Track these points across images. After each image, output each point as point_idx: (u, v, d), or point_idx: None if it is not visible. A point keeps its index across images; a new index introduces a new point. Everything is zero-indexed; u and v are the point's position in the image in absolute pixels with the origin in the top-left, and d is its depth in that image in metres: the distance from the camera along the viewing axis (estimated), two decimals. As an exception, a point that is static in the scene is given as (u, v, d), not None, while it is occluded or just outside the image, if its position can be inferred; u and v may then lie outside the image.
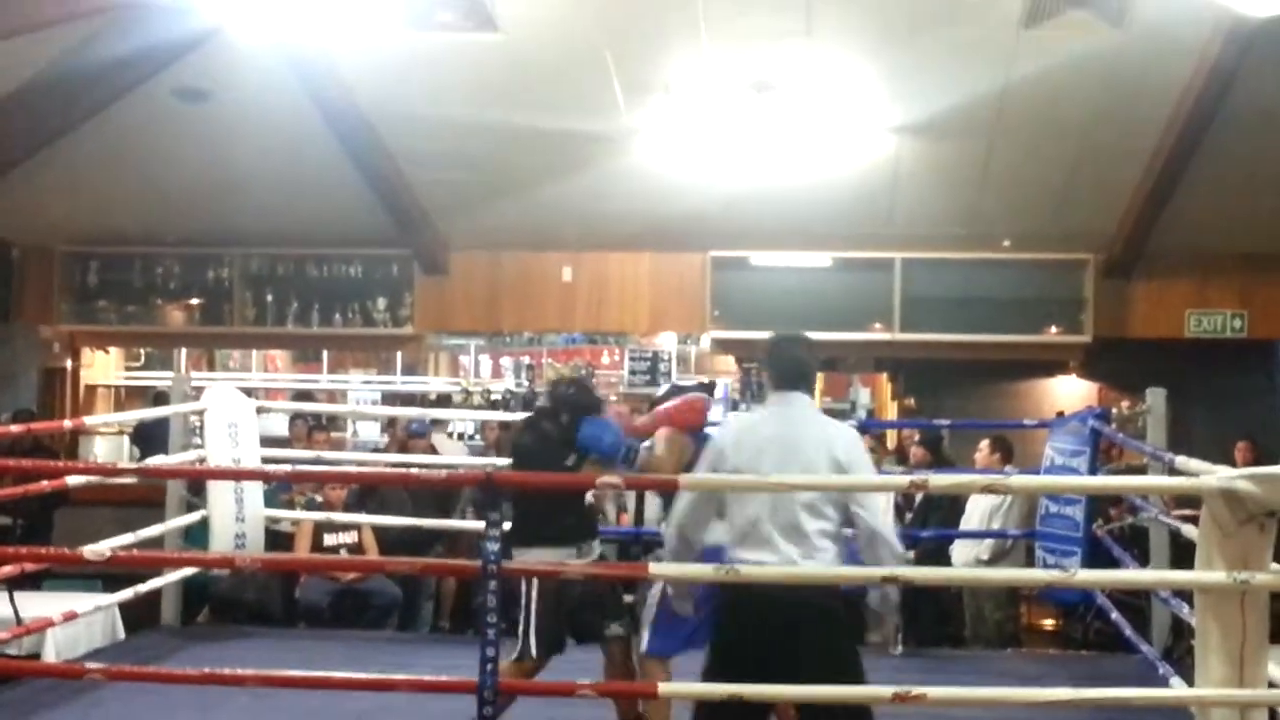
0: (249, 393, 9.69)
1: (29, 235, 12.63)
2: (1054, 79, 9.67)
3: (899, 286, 11.92)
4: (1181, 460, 5.96)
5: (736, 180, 10.94)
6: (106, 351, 13.64)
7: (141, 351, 14.08)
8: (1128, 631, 7.73)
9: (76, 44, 9.52)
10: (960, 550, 9.03)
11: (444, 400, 13.05)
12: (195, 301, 12.67)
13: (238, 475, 8.61)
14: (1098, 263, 11.82)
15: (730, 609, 4.71)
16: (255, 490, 8.80)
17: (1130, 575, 7.48)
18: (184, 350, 13.65)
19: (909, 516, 9.06)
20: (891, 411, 13.49)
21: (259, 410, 9.44)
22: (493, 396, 12.97)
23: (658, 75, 9.86)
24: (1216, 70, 9.51)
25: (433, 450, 10.34)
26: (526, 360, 14.35)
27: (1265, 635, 4.97)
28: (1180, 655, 7.32)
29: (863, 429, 9.62)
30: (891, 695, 5.16)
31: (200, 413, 8.89)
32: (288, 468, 8.57)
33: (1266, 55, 9.33)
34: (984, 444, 9.20)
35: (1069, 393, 13.07)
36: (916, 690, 5.15)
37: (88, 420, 10.47)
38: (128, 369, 14.06)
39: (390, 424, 11.18)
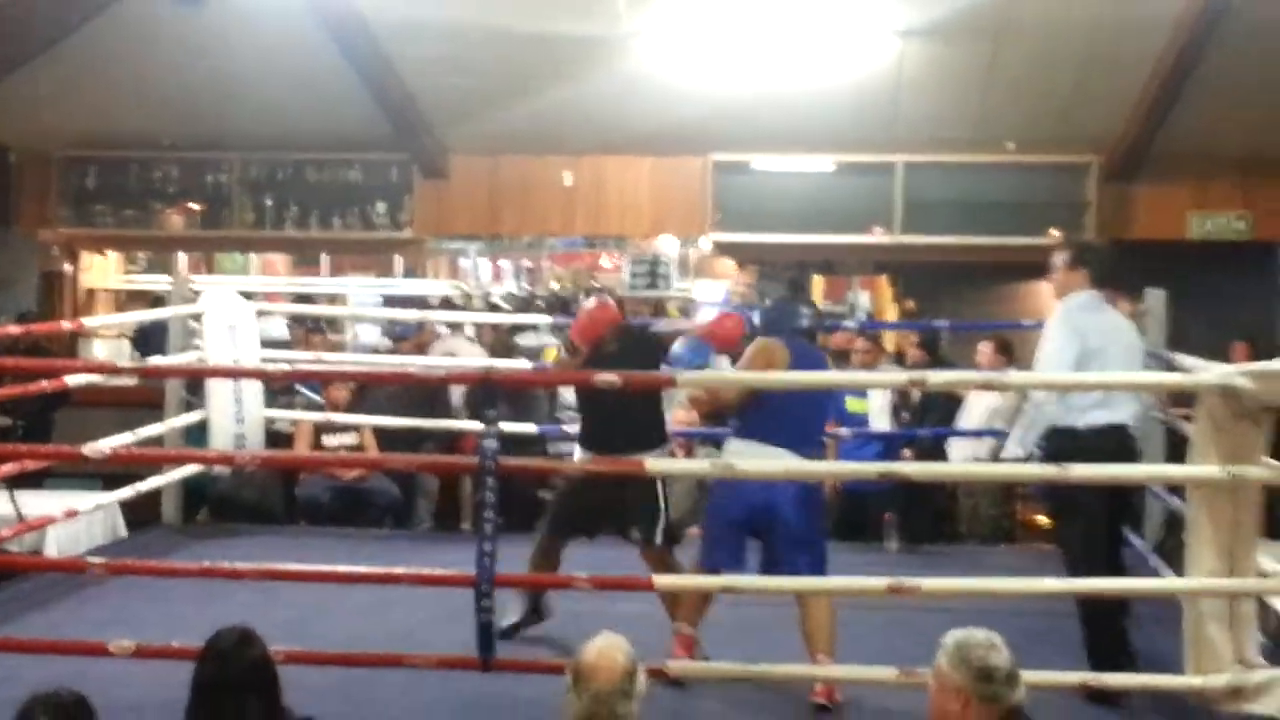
0: (248, 296, 9.71)
1: (26, 140, 12.54)
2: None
3: (900, 190, 11.85)
4: (1180, 358, 5.98)
5: (738, 84, 10.86)
6: (105, 255, 13.62)
7: (141, 255, 14.06)
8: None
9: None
10: (958, 449, 9.08)
11: (445, 303, 13.04)
12: (194, 206, 12.62)
13: (235, 374, 8.65)
14: (1101, 165, 11.74)
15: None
16: (254, 391, 8.85)
17: (1125, 469, 7.51)
18: (183, 254, 13.60)
19: (905, 416, 9.09)
20: (891, 314, 13.48)
21: (258, 313, 9.47)
22: (492, 299, 12.96)
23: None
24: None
25: (422, 351, 10.33)
26: (526, 264, 14.33)
27: (1256, 528, 5.05)
28: (1172, 549, 7.36)
29: (861, 330, 9.66)
30: (886, 587, 5.24)
31: (199, 315, 8.92)
32: (286, 367, 8.59)
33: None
34: (985, 345, 9.20)
35: (1071, 296, 13.05)
36: (910, 582, 5.22)
37: (87, 322, 10.47)
38: (127, 273, 14.04)
39: (419, 329, 10.96)
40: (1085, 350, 5.77)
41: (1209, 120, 10.98)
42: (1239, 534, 4.95)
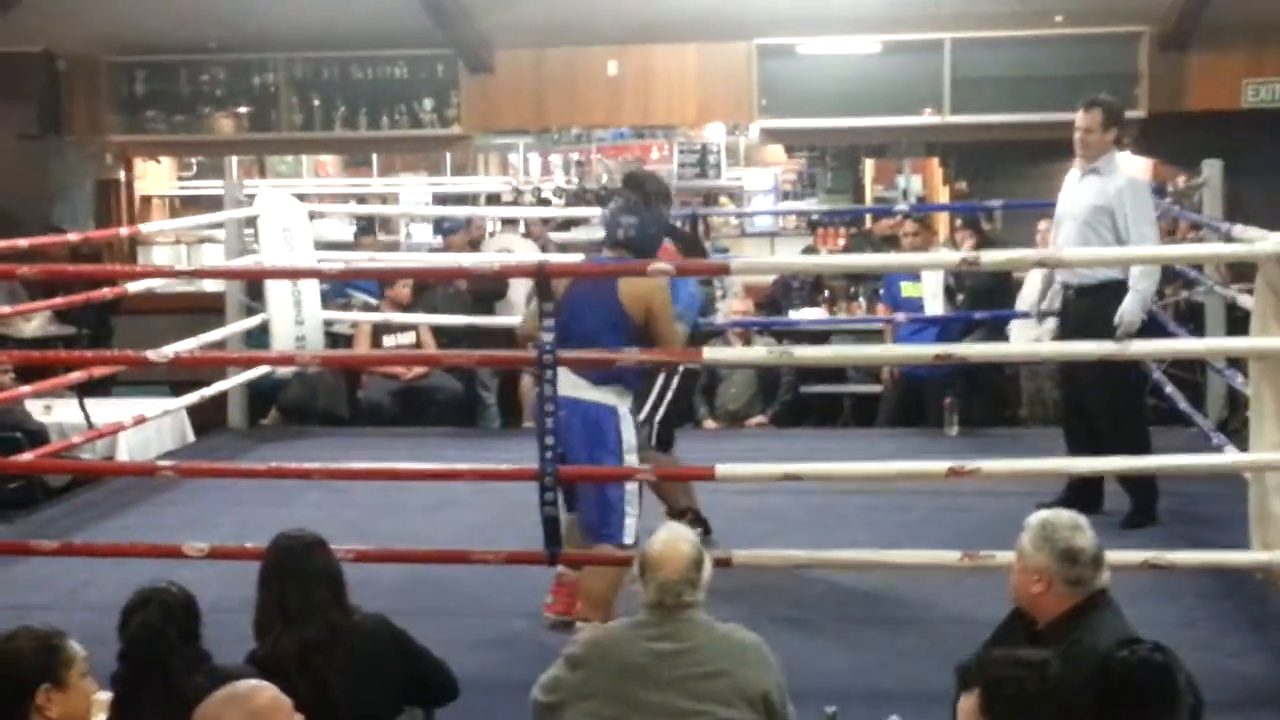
0: (301, 198, 9.74)
1: (73, 47, 12.52)
2: None
3: (949, 68, 11.66)
4: (1238, 229, 5.91)
5: (780, -36, 10.73)
6: (159, 162, 13.66)
7: (193, 161, 14.08)
8: (1183, 405, 7.75)
9: None
10: (1019, 332, 8.99)
11: (495, 199, 13.02)
12: (243, 109, 12.62)
13: (294, 274, 8.71)
14: (1152, 35, 11.52)
15: None
16: (313, 293, 8.92)
17: (1187, 344, 7.44)
18: (234, 159, 13.61)
19: (960, 299, 9.04)
20: (943, 197, 13.35)
21: (311, 215, 9.51)
22: (543, 194, 12.92)
23: None
24: None
25: (474, 247, 10.28)
26: (576, 157, 14.25)
27: (1319, 400, 4.98)
28: (1235, 427, 7.34)
29: (909, 214, 9.62)
30: (946, 470, 5.25)
31: (253, 219, 8.98)
32: (341, 266, 8.61)
33: None
34: (1044, 224, 9.10)
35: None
36: (971, 465, 5.22)
37: (144, 228, 10.56)
38: (180, 179, 14.08)
39: (467, 224, 10.85)
40: None
41: (1262, -15, 10.76)
42: (1302, 407, 4.91)
